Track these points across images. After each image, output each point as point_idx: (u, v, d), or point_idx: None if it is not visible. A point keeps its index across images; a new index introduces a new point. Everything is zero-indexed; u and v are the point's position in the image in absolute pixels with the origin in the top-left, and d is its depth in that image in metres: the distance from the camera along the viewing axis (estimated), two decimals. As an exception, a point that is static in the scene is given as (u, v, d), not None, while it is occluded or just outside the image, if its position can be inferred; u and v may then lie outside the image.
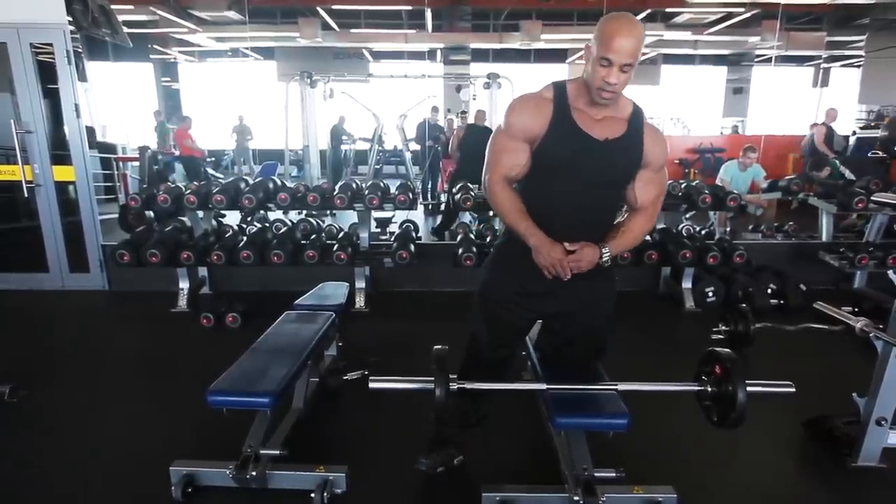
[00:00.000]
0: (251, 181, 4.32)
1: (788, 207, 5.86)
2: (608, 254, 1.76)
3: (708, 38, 11.34)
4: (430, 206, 7.57)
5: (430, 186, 8.46)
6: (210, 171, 9.24)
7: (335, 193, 4.07)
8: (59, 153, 4.35)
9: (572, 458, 1.96)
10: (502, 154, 1.79)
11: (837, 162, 6.16)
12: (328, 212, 6.24)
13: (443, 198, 6.81)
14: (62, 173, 4.32)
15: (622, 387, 1.87)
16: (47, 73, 4.16)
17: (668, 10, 10.68)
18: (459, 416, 2.11)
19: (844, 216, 5.08)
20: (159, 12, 9.76)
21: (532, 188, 1.84)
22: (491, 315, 1.96)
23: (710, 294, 4.06)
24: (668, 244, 4.02)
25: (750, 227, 5.65)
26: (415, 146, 8.98)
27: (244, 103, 11.24)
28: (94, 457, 2.32)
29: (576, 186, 1.75)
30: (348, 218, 5.00)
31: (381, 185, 4.33)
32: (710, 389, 1.80)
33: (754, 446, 2.38)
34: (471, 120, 7.57)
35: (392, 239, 4.39)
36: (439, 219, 5.89)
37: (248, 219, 4.99)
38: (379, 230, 5.23)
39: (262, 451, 2.03)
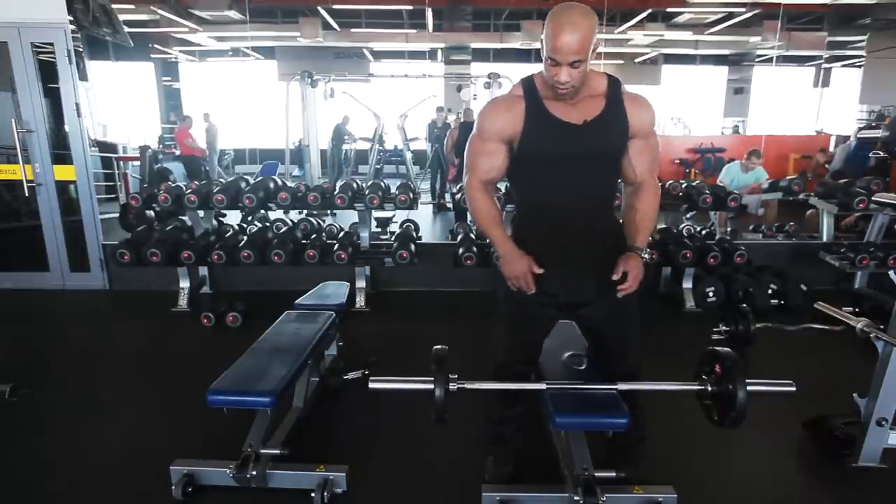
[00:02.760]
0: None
1: (793, 208, 5.79)
2: (644, 251, 1.75)
3: (709, 38, 11.33)
4: (439, 205, 7.63)
5: (438, 185, 8.44)
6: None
7: (336, 193, 4.07)
8: (60, 152, 4.36)
9: (572, 458, 1.96)
10: (478, 158, 1.78)
11: None
12: (328, 211, 6.26)
13: (447, 196, 6.90)
14: (63, 172, 4.33)
15: (622, 387, 1.87)
16: (48, 73, 4.16)
17: (668, 9, 10.67)
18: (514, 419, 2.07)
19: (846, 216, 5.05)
20: (160, 12, 9.77)
21: (525, 185, 1.83)
22: (518, 314, 1.87)
23: (711, 294, 4.05)
24: (668, 244, 4.02)
25: (751, 227, 5.64)
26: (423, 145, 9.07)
27: (239, 102, 11.20)
28: (94, 456, 2.32)
29: (567, 175, 1.72)
30: (349, 217, 4.99)
31: (382, 184, 4.33)
32: (710, 388, 1.79)
33: (754, 446, 2.38)
34: (463, 119, 7.60)
35: (392, 238, 4.39)
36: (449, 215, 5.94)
37: (249, 218, 5.00)
38: (379, 230, 5.24)
39: (262, 451, 2.03)
